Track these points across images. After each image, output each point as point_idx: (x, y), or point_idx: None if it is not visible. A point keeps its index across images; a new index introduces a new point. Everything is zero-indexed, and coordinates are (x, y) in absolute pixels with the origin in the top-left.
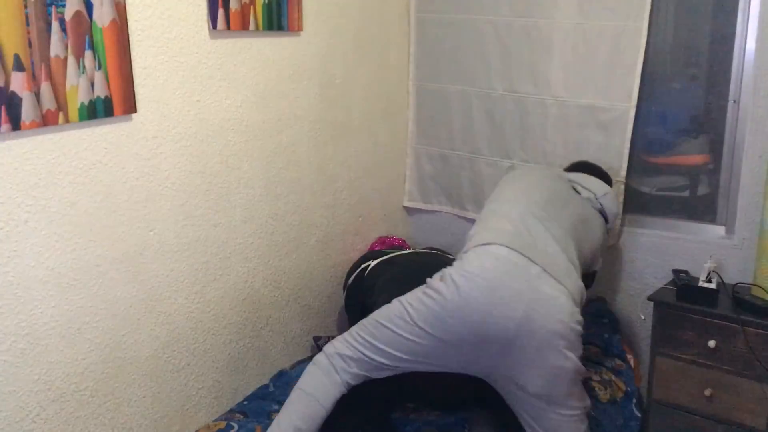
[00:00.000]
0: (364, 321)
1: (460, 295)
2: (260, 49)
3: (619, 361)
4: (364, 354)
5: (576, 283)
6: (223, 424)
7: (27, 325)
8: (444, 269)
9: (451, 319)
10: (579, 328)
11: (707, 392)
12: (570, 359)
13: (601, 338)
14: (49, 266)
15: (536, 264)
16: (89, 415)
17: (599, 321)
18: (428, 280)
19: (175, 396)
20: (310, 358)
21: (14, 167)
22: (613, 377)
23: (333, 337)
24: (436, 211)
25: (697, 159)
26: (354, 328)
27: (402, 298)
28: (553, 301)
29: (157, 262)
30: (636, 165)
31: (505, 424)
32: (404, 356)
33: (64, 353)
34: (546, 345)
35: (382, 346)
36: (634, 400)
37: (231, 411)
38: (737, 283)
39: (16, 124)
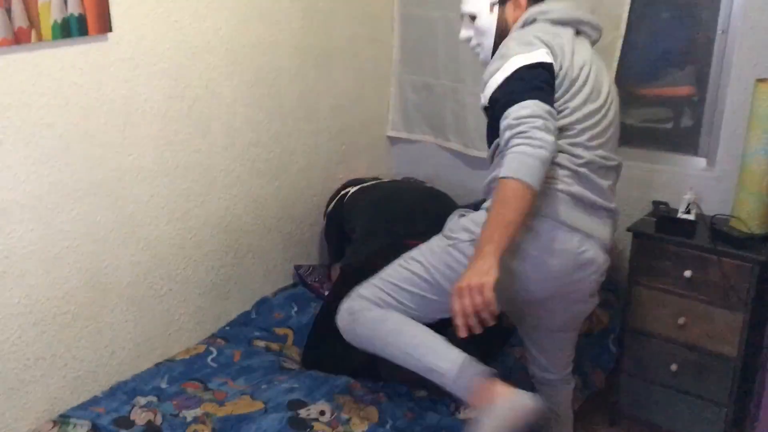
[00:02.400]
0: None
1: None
2: None
3: (612, 297)
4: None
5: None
6: (202, 348)
7: (5, 248)
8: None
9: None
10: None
11: (681, 321)
12: (593, 302)
13: None
14: (26, 189)
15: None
16: (71, 338)
17: None
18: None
19: (158, 321)
20: (293, 286)
21: None
22: (598, 310)
23: (314, 267)
24: (419, 141)
25: (682, 90)
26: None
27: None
28: (593, 264)
29: (136, 187)
30: (621, 96)
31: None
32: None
33: (44, 277)
34: (581, 299)
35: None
36: (612, 336)
37: (212, 336)
38: (716, 215)
39: None
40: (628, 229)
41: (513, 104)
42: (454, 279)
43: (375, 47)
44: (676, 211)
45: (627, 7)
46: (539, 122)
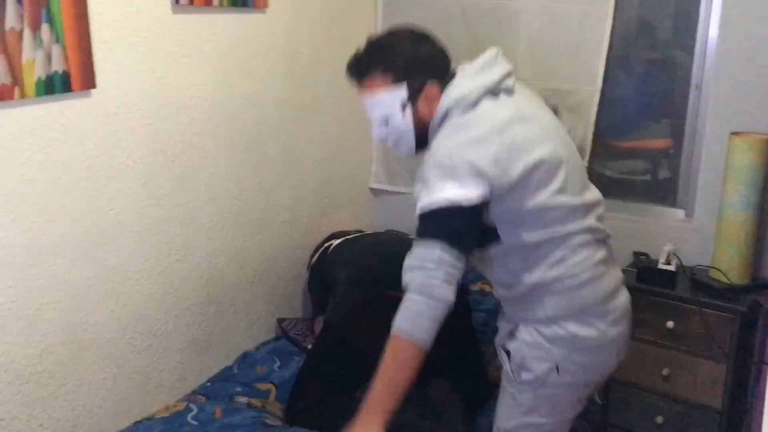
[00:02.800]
0: None
1: None
2: (224, 26)
3: None
4: None
5: None
6: (182, 406)
7: None
8: None
9: None
10: None
11: (665, 372)
12: None
13: None
14: (5, 245)
15: None
16: (48, 396)
17: None
18: None
19: (137, 377)
20: (275, 339)
21: None
22: None
23: (298, 320)
24: (402, 193)
25: (659, 143)
26: None
27: None
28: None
29: (118, 242)
30: (599, 148)
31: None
32: None
33: (22, 334)
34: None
35: None
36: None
37: (193, 392)
38: (696, 266)
39: None
40: None
41: (420, 241)
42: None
43: (357, 101)
44: (657, 261)
45: (603, 62)
46: (440, 273)
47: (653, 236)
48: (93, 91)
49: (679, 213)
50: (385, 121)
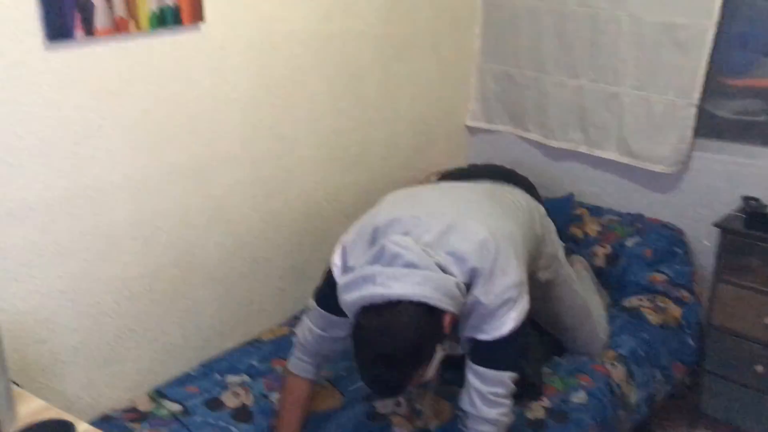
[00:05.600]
0: None
1: None
2: None
3: (685, 293)
4: None
5: None
6: (286, 330)
7: (103, 226)
8: None
9: None
10: None
11: (767, 320)
12: None
13: (672, 267)
14: (123, 172)
15: None
16: (161, 313)
17: (673, 250)
18: None
19: (240, 301)
20: None
21: (89, 73)
22: (672, 304)
23: None
24: (498, 131)
25: None
26: None
27: None
28: None
29: (223, 173)
30: (713, 87)
31: None
32: None
33: (138, 255)
34: None
35: None
36: (689, 331)
37: (294, 317)
38: None
39: (89, 30)
40: (716, 225)
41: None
42: None
43: (456, 37)
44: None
45: None
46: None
47: (766, 181)
48: (202, 24)
49: None
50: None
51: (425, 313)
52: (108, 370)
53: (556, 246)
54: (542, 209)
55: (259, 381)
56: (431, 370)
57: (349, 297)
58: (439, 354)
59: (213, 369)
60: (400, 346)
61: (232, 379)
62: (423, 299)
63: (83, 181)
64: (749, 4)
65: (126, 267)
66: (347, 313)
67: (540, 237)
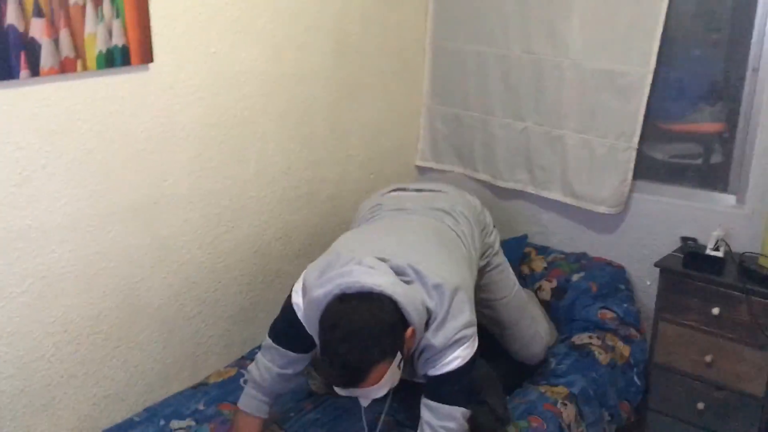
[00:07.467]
0: None
1: None
2: (277, 1)
3: (633, 331)
4: None
5: None
6: (234, 371)
7: (44, 268)
8: None
9: None
10: None
11: (708, 358)
12: None
13: (620, 306)
14: (66, 212)
15: None
16: (103, 357)
17: (617, 286)
18: None
19: (186, 343)
20: None
21: (33, 113)
22: (620, 343)
23: None
24: (447, 171)
25: (712, 127)
26: None
27: None
28: None
29: (170, 212)
30: (650, 131)
31: None
32: None
33: (80, 297)
34: None
35: None
36: (636, 370)
37: (242, 358)
38: (745, 252)
39: (35, 70)
40: (656, 265)
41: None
42: None
43: (406, 78)
44: (705, 247)
45: (657, 43)
46: None
47: (702, 222)
48: (150, 65)
49: (730, 199)
50: (389, 385)
51: (396, 310)
52: (47, 416)
53: (494, 236)
54: (478, 202)
55: (206, 426)
56: (389, 380)
57: (323, 290)
58: (399, 361)
59: (157, 414)
60: (369, 326)
61: (177, 424)
62: (395, 296)
63: (24, 222)
64: (684, 53)
65: (67, 310)
66: (316, 308)
67: (486, 226)
